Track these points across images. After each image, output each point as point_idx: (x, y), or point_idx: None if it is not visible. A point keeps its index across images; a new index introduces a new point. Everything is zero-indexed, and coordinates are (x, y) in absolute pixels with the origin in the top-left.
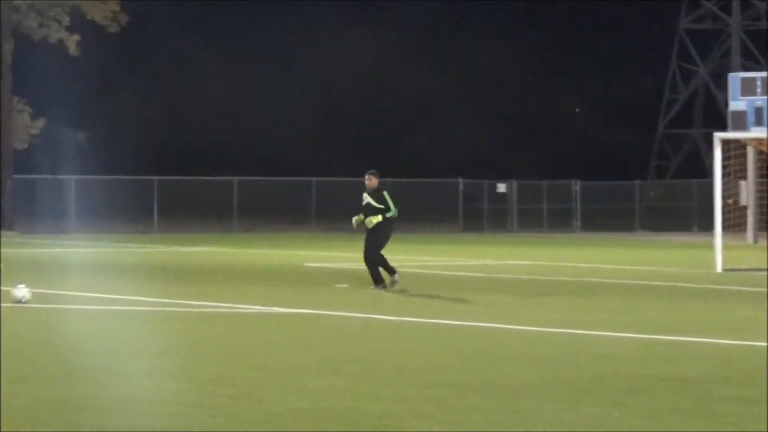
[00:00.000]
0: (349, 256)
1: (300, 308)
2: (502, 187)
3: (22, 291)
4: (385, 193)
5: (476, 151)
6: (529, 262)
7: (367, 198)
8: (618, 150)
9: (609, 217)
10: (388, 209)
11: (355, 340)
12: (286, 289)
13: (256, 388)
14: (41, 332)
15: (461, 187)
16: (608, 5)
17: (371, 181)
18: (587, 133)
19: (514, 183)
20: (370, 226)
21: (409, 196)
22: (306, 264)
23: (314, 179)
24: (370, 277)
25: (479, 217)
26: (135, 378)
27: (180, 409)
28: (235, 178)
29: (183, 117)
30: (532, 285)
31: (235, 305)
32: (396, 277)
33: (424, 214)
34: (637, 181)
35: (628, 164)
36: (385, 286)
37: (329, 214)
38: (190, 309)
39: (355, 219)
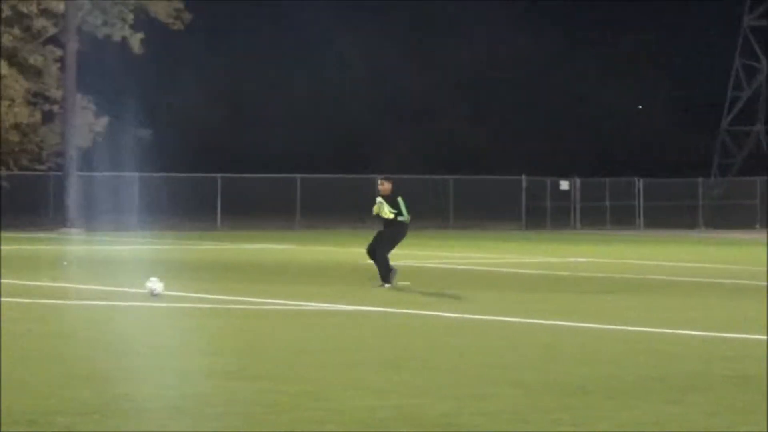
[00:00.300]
0: (411, 254)
1: (362, 306)
2: (564, 185)
3: (157, 284)
4: (400, 199)
5: (539, 149)
6: (592, 260)
7: (381, 201)
8: (681, 147)
9: (672, 215)
10: (401, 214)
11: (418, 337)
12: (348, 287)
13: (319, 385)
14: (100, 330)
15: (524, 184)
16: (672, 3)
17: (384, 186)
18: (650, 130)
19: (577, 180)
20: (383, 215)
21: (472, 193)
22: (368, 261)
23: (377, 176)
24: (379, 273)
25: (542, 214)
26: (196, 377)
27: (242, 407)
28: (298, 176)
29: (246, 115)
30: (594, 282)
31: (297, 302)
32: (386, 286)
33: (487, 211)
34: (700, 179)
35: (691, 161)
36: (391, 285)
37: None
38: (252, 306)
39: (375, 207)
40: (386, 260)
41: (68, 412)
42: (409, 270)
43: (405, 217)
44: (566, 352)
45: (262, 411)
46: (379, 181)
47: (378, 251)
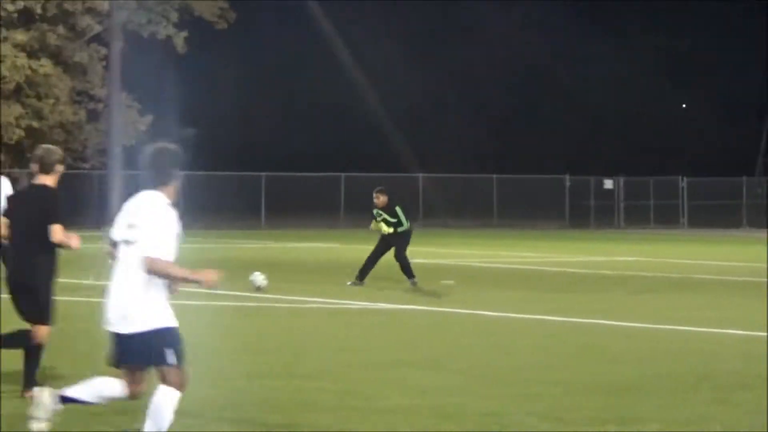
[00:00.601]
0: (456, 253)
1: (405, 304)
2: (608, 184)
3: (261, 279)
4: (398, 209)
5: (583, 148)
6: (636, 259)
7: (381, 214)
8: (725, 146)
9: (716, 214)
10: (400, 224)
11: (459, 336)
12: (392, 286)
13: (362, 384)
14: None
15: (568, 183)
16: (717, 2)
17: (379, 198)
18: (694, 129)
19: (621, 179)
20: (383, 232)
21: (516, 191)
22: (411, 260)
23: (421, 175)
24: (404, 273)
25: (586, 213)
26: (239, 375)
27: (284, 405)
28: (342, 174)
29: (290, 113)
30: (638, 281)
31: (340, 301)
32: (414, 280)
33: (531, 210)
34: (744, 178)
35: (735, 160)
36: (415, 282)
37: (436, 211)
38: (295, 305)
39: (372, 223)
40: (406, 259)
41: (105, 412)
42: (452, 268)
43: (405, 225)
44: (611, 351)
45: (305, 409)
46: (375, 195)
47: (397, 257)
